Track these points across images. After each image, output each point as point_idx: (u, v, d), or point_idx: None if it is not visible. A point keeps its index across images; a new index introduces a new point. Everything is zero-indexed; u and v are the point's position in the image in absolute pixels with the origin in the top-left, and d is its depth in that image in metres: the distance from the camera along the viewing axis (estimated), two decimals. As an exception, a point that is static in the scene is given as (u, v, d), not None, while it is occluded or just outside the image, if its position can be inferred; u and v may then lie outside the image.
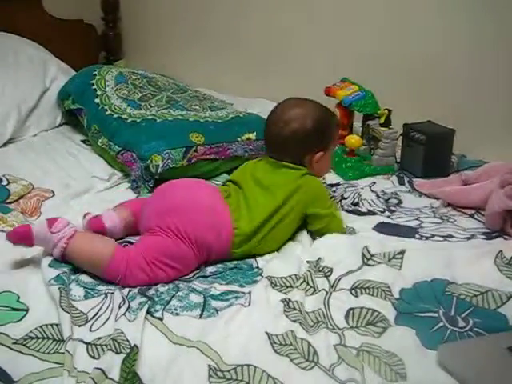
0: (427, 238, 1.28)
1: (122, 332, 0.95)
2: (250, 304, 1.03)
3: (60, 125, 1.93)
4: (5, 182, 1.48)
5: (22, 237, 1.11)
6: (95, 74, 1.84)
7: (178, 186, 1.27)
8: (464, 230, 1.31)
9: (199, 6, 2.46)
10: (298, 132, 1.27)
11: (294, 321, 0.99)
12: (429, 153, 1.59)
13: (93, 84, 1.80)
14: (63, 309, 0.99)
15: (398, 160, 1.69)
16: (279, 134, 1.29)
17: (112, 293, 1.07)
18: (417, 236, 1.28)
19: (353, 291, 1.08)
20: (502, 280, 1.10)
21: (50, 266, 1.12)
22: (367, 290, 1.07)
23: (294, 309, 1.02)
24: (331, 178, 1.60)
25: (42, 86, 1.93)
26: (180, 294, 1.08)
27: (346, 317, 1.01)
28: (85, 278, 1.11)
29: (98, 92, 1.77)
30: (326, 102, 1.78)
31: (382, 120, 1.62)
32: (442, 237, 1.28)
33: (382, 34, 1.95)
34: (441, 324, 0.99)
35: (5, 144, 1.75)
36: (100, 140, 1.66)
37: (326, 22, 2.10)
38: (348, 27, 2.03)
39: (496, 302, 1.04)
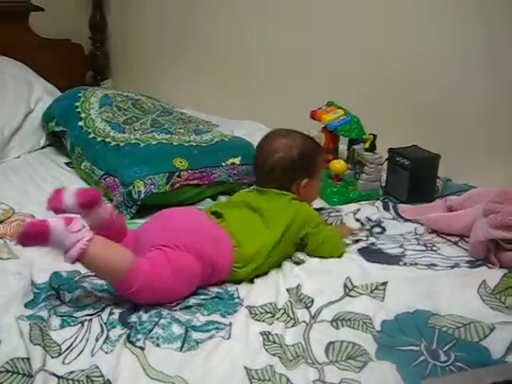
0: (411, 265, 1.27)
1: (98, 367, 0.93)
2: (230, 337, 1.02)
3: (44, 147, 1.92)
4: (-15, 207, 1.46)
5: (38, 231, 1.02)
6: (80, 96, 1.83)
7: (175, 211, 1.33)
8: (448, 258, 1.30)
9: (185, 27, 2.46)
10: (283, 160, 1.35)
11: (274, 355, 0.98)
12: (413, 178, 1.59)
13: (77, 106, 1.79)
14: (32, 342, 0.96)
15: (384, 185, 1.69)
16: (266, 162, 1.36)
17: (90, 320, 1.06)
18: (400, 263, 1.27)
19: (334, 323, 1.07)
20: (485, 311, 1.10)
21: (25, 306, 1.09)
22: (348, 323, 1.06)
23: (274, 342, 1.01)
24: (315, 202, 1.59)
25: (27, 107, 1.92)
26: (162, 321, 1.06)
27: (326, 350, 0.99)
28: (62, 308, 1.09)
29: (82, 115, 1.76)
30: (311, 125, 1.81)
31: (367, 145, 1.62)
32: (426, 265, 1.27)
33: (368, 59, 1.95)
34: (422, 358, 0.98)
35: (-13, 166, 1.74)
36: (83, 164, 1.65)
37: (312, 45, 2.10)
38: (335, 50, 2.04)
39: (479, 334, 1.03)
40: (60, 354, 0.97)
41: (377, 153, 1.63)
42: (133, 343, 0.99)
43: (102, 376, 0.92)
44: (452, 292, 1.15)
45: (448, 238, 1.40)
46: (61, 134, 1.81)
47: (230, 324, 1.05)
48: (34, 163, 1.79)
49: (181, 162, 1.54)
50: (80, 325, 1.05)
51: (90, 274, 1.20)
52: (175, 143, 1.63)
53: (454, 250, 1.34)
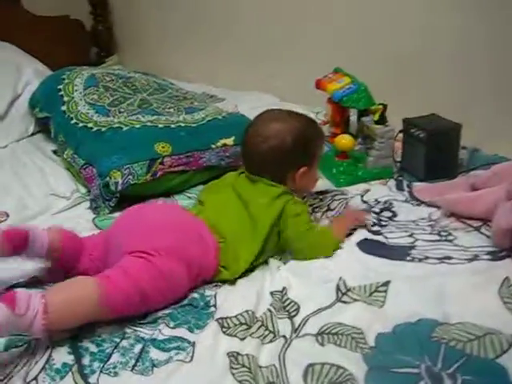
0: (420, 259, 1.08)
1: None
2: (191, 359, 0.87)
3: (33, 133, 1.79)
4: (-41, 205, 1.35)
5: None
6: (64, 78, 1.69)
7: (149, 207, 1.23)
8: (466, 249, 1.10)
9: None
10: (276, 149, 1.16)
11: (240, 382, 0.82)
12: (431, 152, 1.37)
13: (60, 89, 1.65)
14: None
15: (399, 159, 1.49)
16: (257, 150, 1.18)
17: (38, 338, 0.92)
18: (408, 258, 1.09)
19: (319, 338, 0.90)
20: (506, 317, 0.91)
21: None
22: (335, 338, 0.89)
23: (243, 365, 0.85)
24: (320, 184, 1.40)
25: (13, 92, 1.80)
26: (124, 343, 0.92)
27: (305, 375, 0.83)
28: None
29: (65, 98, 1.61)
30: (318, 96, 1.62)
31: (376, 117, 1.41)
32: (438, 259, 1.08)
33: (382, 18, 1.73)
34: (421, 383, 0.80)
35: (-30, 159, 1.63)
36: (66, 152, 1.52)
37: (322, 13, 1.91)
38: (344, 16, 1.84)
39: (495, 349, 0.84)
40: (-4, 385, 0.85)
41: (388, 125, 1.42)
42: (85, 377, 0.85)
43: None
44: (466, 293, 0.97)
45: (469, 222, 1.20)
46: (45, 120, 1.68)
47: (194, 344, 0.89)
48: (20, 153, 1.67)
49: (163, 147, 1.38)
50: (27, 345, 0.92)
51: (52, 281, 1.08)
52: (161, 125, 1.47)
53: (474, 238, 1.14)
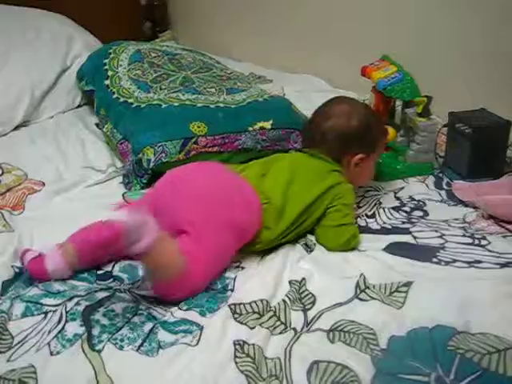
0: (447, 262, 1.03)
1: (34, 367, 0.82)
2: (197, 343, 0.86)
3: (79, 105, 1.82)
4: (-1, 172, 1.40)
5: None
6: (110, 53, 1.70)
7: (194, 171, 1.14)
8: (499, 254, 1.04)
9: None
10: (338, 127, 1.20)
11: (242, 371, 0.81)
12: (476, 149, 1.31)
13: (105, 64, 1.66)
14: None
15: (443, 154, 1.42)
16: (320, 125, 1.22)
17: (54, 311, 0.94)
18: (434, 260, 1.04)
19: (330, 334, 0.87)
20: (534, 330, 0.86)
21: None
22: (346, 336, 0.86)
23: (248, 355, 0.84)
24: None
25: (62, 64, 1.82)
26: (135, 319, 0.93)
27: (309, 372, 0.81)
28: (31, 292, 0.98)
29: (109, 73, 1.63)
30: (367, 82, 1.56)
31: (420, 109, 1.35)
32: (467, 263, 1.02)
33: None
34: (430, 393, 0.77)
35: (18, 127, 1.67)
36: (106, 126, 1.53)
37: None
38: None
39: (515, 365, 0.79)
40: (9, 349, 0.87)
41: (432, 118, 1.36)
42: (92, 346, 0.86)
43: (36, 380, 0.80)
44: (492, 301, 0.92)
45: (508, 227, 1.14)
46: (90, 93, 1.70)
47: (202, 328, 0.89)
48: (65, 124, 1.70)
49: (199, 127, 1.37)
50: (43, 314, 0.93)
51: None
52: (199, 105, 1.45)
53: (510, 244, 1.08)
